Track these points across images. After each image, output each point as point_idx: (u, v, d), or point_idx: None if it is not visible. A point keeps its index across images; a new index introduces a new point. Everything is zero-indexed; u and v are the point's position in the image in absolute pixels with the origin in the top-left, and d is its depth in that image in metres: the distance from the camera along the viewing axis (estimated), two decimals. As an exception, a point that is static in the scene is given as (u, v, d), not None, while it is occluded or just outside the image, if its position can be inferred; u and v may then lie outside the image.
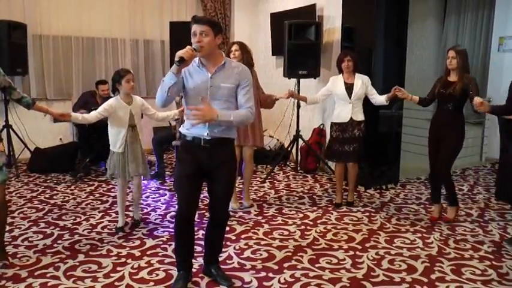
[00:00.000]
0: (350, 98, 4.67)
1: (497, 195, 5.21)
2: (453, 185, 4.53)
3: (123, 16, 7.31)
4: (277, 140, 7.27)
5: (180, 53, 2.69)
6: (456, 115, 4.26)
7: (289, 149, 6.56)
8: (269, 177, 6.09)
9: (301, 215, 4.62)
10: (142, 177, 4.29)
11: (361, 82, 4.70)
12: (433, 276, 3.31)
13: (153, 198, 5.15)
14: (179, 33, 6.53)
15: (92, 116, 3.93)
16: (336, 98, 4.80)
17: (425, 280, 3.26)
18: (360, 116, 4.73)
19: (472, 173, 6.50)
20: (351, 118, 4.69)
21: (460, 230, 4.24)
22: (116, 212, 4.43)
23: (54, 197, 5.14)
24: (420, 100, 4.49)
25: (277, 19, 6.90)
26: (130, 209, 4.50)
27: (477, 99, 3.65)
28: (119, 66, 7.24)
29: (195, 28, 2.77)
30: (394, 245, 3.90)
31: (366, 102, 4.83)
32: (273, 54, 7.40)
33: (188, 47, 2.73)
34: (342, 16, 5.84)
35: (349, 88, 4.68)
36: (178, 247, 3.11)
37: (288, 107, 6.53)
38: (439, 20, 8.70)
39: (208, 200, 3.15)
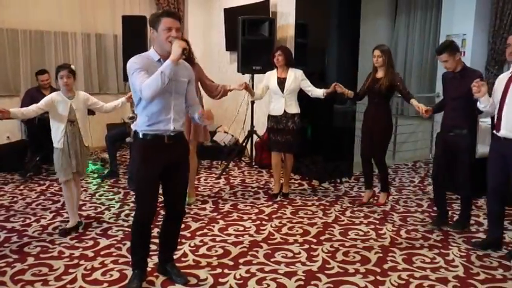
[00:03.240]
0: (283, 92, 4.78)
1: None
2: (387, 172, 4.90)
3: (74, 9, 7.08)
4: (232, 135, 7.26)
5: (183, 45, 2.67)
6: (384, 107, 4.64)
7: (244, 144, 6.57)
8: (224, 173, 6.08)
9: (256, 210, 4.63)
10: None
11: (294, 76, 4.81)
12: (385, 266, 3.41)
13: (107, 196, 5.03)
14: (132, 28, 6.42)
15: (32, 109, 3.74)
16: (271, 92, 4.92)
17: (379, 270, 3.34)
18: (293, 109, 4.85)
19: (422, 166, 6.71)
20: (285, 111, 4.81)
21: (411, 221, 4.37)
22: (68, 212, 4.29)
23: (1, 198, 4.93)
24: (354, 95, 4.77)
25: (231, 14, 6.88)
26: (83, 208, 4.38)
27: (421, 108, 4.15)
28: (70, 60, 7.03)
29: (171, 23, 2.75)
30: (348, 237, 3.97)
31: (318, 98, 4.88)
32: (227, 50, 7.38)
33: (180, 40, 2.72)
34: (296, 12, 5.90)
35: (281, 82, 4.80)
36: (135, 247, 3.06)
37: (243, 102, 6.53)
38: (390, 18, 8.94)
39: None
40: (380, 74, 4.59)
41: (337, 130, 5.79)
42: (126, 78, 6.63)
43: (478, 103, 3.61)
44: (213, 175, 6.05)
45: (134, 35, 6.39)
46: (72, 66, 3.91)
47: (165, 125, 2.85)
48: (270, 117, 4.94)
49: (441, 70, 7.20)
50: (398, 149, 7.22)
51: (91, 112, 5.22)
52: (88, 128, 4.04)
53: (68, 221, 4.08)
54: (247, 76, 6.14)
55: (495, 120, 3.54)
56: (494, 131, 3.54)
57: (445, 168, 4.10)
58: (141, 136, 2.88)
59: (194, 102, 3.07)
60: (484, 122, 4.83)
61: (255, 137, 6.42)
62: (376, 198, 4.98)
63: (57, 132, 3.83)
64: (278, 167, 5.05)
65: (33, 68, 6.76)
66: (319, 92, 4.81)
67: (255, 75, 6.12)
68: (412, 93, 4.68)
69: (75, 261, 3.43)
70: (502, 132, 3.45)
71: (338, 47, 5.66)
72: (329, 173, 5.74)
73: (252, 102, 6.22)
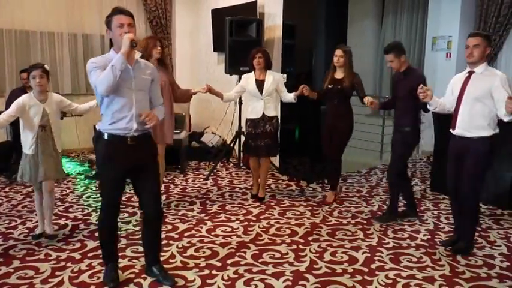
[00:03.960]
0: (261, 94, 4.77)
1: (431, 187, 5.49)
2: (339, 170, 5.01)
3: (60, 9, 7.02)
4: (220, 136, 7.25)
5: (131, 36, 2.71)
6: (345, 107, 4.73)
7: (231, 145, 6.56)
8: (212, 174, 6.07)
9: (244, 211, 4.63)
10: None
11: (272, 79, 4.81)
12: (373, 266, 3.42)
13: (94, 198, 4.98)
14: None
15: (3, 119, 3.52)
16: (249, 95, 4.90)
17: (366, 270, 3.36)
18: (272, 112, 4.85)
19: (409, 166, 6.73)
20: (263, 114, 4.80)
21: (399, 220, 4.39)
22: (56, 214, 4.26)
23: (-14, 200, 4.87)
24: (318, 95, 4.85)
25: (219, 15, 6.87)
26: (70, 210, 4.33)
27: (367, 99, 4.32)
28: (56, 61, 7.01)
29: (123, 20, 2.79)
30: (336, 237, 3.98)
31: (309, 100, 4.90)
32: (214, 51, 7.36)
33: (131, 34, 2.74)
34: (283, 14, 5.91)
35: (260, 85, 4.79)
36: (103, 244, 3.12)
37: (230, 103, 6.52)
38: (378, 20, 9.02)
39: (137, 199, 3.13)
40: (339, 74, 4.65)
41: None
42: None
43: (428, 105, 3.77)
44: (201, 176, 6.03)
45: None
46: (46, 66, 3.71)
47: (127, 122, 2.85)
48: (248, 121, 4.90)
49: (427, 71, 7.31)
50: (385, 150, 7.26)
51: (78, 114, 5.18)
52: (60, 133, 3.84)
53: (55, 224, 4.04)
54: (235, 77, 6.13)
55: (452, 118, 3.63)
56: (451, 130, 3.62)
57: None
58: (105, 136, 2.89)
59: (157, 102, 3.10)
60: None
61: (242, 138, 6.39)
62: (339, 196, 5.12)
63: (28, 138, 3.65)
64: (256, 171, 5.07)
65: (18, 68, 6.64)
66: (290, 97, 4.85)
67: (243, 76, 6.09)
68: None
69: (62, 263, 3.39)
70: (457, 131, 3.56)
71: (325, 48, 5.67)
72: (316, 173, 5.75)
73: (240, 103, 6.22)
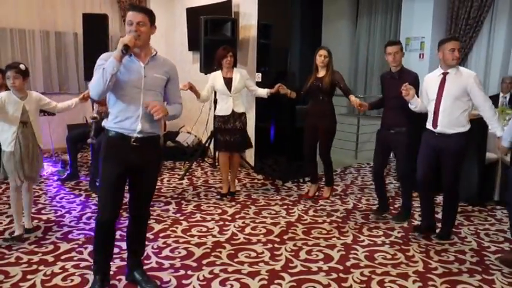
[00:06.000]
0: (230, 91, 4.83)
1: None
2: (331, 166, 5.06)
3: (31, 6, 6.86)
4: (195, 136, 7.21)
5: (125, 40, 2.59)
6: (327, 105, 4.82)
7: (206, 145, 6.52)
8: (187, 174, 6.03)
9: (219, 211, 4.61)
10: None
11: (240, 76, 4.89)
12: (348, 264, 3.45)
13: (68, 199, 4.89)
14: (93, 26, 6.29)
15: None
16: (217, 93, 4.96)
17: (341, 268, 3.38)
18: (241, 109, 4.94)
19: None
20: (233, 110, 4.87)
21: (373, 218, 4.45)
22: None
23: (-47, 202, 4.73)
24: (297, 95, 4.96)
25: (193, 14, 6.82)
26: (43, 211, 4.23)
27: (356, 102, 4.42)
28: (28, 59, 6.83)
29: (132, 17, 2.68)
30: (311, 236, 4.00)
31: (285, 99, 4.91)
32: (189, 50, 7.32)
33: (132, 34, 2.65)
34: (258, 13, 5.91)
35: (228, 82, 4.85)
36: (98, 251, 2.92)
37: (206, 103, 6.48)
38: (352, 20, 9.11)
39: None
40: (322, 73, 4.79)
41: (300, 130, 5.81)
42: (87, 77, 6.52)
43: (409, 104, 3.92)
44: (176, 176, 5.99)
45: (95, 33, 6.27)
46: (22, 66, 3.64)
47: (132, 123, 2.75)
48: (217, 118, 4.96)
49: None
50: (360, 149, 7.35)
51: (52, 113, 5.09)
52: (41, 130, 3.81)
53: (24, 226, 3.90)
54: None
55: (431, 117, 3.80)
56: (431, 127, 3.80)
57: (385, 164, 4.51)
58: (109, 134, 2.80)
59: (174, 101, 2.94)
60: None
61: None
62: (321, 192, 5.18)
63: (8, 135, 3.60)
64: (226, 166, 5.07)
65: (-13, 67, 6.53)
66: (262, 92, 4.98)
67: (210, 75, 6.05)
68: (373, 94, 4.82)
69: (34, 266, 3.31)
70: (439, 129, 3.74)
71: (300, 48, 5.71)
72: (292, 172, 5.77)
73: (215, 102, 6.18)
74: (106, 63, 2.64)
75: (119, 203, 2.87)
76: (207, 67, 5.92)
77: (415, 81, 4.02)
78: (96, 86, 2.63)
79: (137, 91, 2.74)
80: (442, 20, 6.82)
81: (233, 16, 6.24)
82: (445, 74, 3.72)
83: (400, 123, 4.15)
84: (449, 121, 3.68)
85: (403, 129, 4.14)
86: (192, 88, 4.68)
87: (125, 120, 2.75)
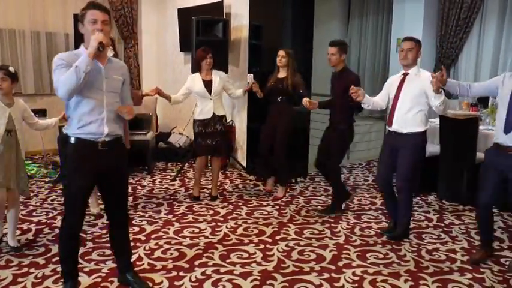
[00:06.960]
0: (210, 94, 4.77)
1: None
2: (285, 166, 5.11)
3: (21, 6, 6.80)
4: (187, 137, 7.18)
5: (99, 38, 2.54)
6: (286, 106, 4.94)
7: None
8: (179, 175, 6.01)
9: (211, 212, 4.61)
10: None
11: (219, 78, 4.84)
12: (340, 263, 3.46)
13: (59, 201, 4.84)
14: (83, 27, 6.24)
15: None
16: (197, 96, 4.86)
17: (333, 267, 3.39)
18: (221, 111, 4.90)
19: (375, 165, 6.87)
20: (214, 114, 4.81)
21: (365, 218, 4.47)
22: (19, 219, 4.01)
23: None
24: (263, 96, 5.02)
25: (185, 15, 6.81)
26: (34, 214, 4.18)
27: (305, 101, 4.44)
28: (18, 60, 6.77)
29: (97, 15, 2.62)
30: (303, 236, 4.01)
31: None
32: (181, 51, 7.30)
33: (102, 33, 2.59)
34: (249, 14, 5.91)
35: (208, 85, 4.78)
36: (64, 258, 2.89)
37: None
38: (344, 21, 9.12)
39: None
40: (282, 73, 4.87)
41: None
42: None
43: (362, 104, 4.00)
44: (168, 177, 5.97)
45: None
46: (11, 68, 3.47)
47: (97, 126, 2.68)
48: (197, 122, 4.84)
49: (392, 71, 7.45)
50: (352, 149, 7.35)
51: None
52: (24, 140, 3.62)
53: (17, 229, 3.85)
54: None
55: (388, 115, 3.90)
56: (387, 126, 3.89)
57: (326, 158, 4.55)
58: (72, 141, 2.69)
59: (127, 102, 2.93)
60: (433, 122, 4.99)
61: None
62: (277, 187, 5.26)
63: None
64: (202, 170, 5.11)
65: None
66: (239, 92, 5.05)
67: (188, 77, 6.02)
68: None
69: (25, 269, 3.28)
70: (394, 127, 3.82)
71: (292, 49, 5.71)
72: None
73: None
74: (66, 62, 2.58)
75: (84, 213, 2.87)
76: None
77: (351, 81, 4.10)
78: (67, 83, 2.51)
79: (99, 93, 2.69)
80: (433, 20, 6.86)
81: (225, 17, 6.24)
82: (405, 75, 3.83)
83: (339, 121, 4.38)
84: (404, 121, 3.75)
85: (341, 126, 4.36)
86: (160, 93, 4.60)
87: (89, 124, 2.67)
